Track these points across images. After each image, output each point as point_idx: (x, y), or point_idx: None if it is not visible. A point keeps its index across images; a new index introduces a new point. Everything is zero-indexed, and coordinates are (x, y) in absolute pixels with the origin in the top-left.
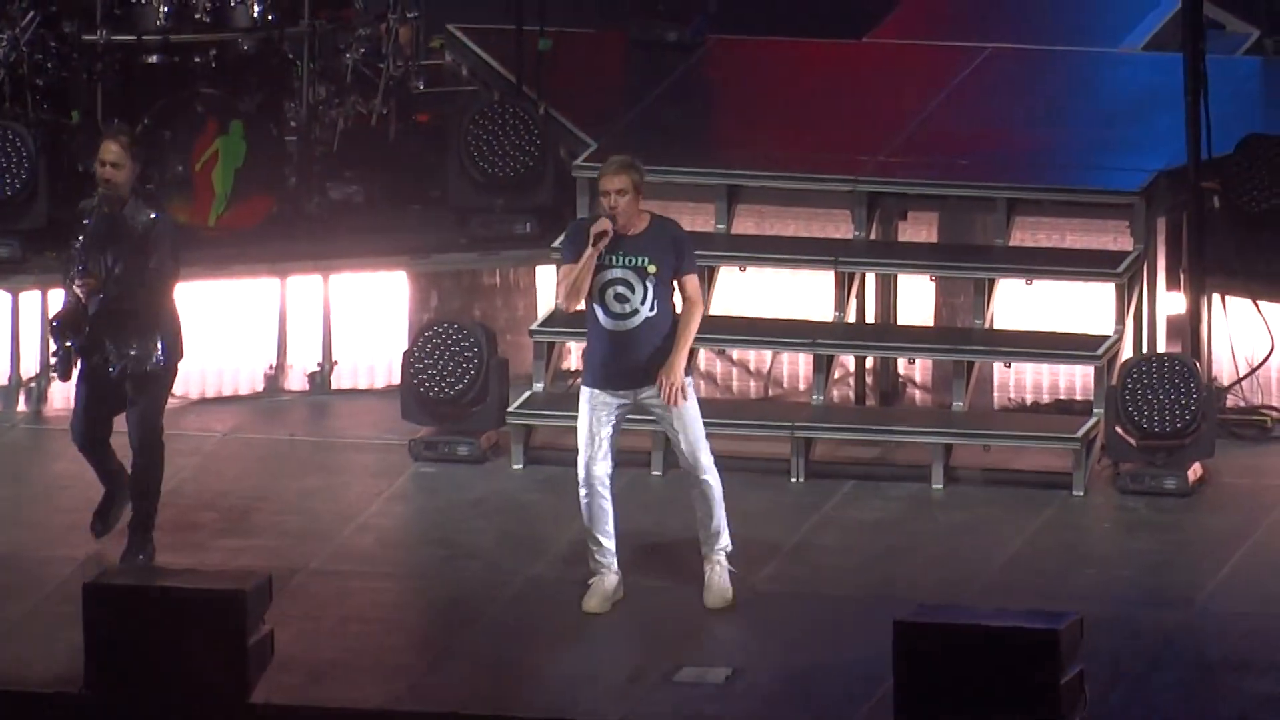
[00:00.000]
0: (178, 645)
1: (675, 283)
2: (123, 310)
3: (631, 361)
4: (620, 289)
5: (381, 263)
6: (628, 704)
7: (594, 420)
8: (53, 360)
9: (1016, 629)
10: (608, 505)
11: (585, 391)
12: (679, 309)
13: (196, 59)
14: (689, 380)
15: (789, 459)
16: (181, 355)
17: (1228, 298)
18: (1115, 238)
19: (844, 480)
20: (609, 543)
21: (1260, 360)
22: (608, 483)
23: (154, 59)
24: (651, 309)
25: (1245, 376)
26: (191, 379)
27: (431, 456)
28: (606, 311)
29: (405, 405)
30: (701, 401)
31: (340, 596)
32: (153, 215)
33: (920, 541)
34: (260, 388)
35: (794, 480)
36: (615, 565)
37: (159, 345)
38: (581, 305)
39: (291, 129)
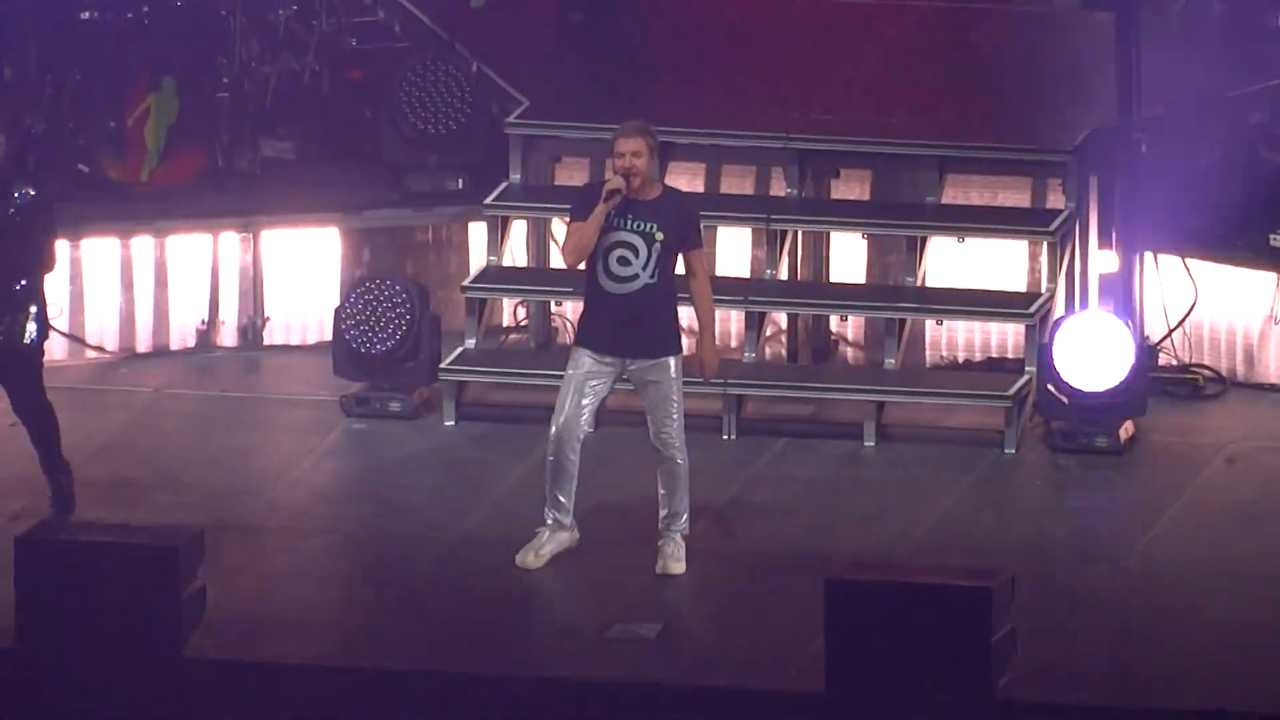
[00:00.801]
0: (110, 600)
1: (683, 256)
2: (2, 289)
3: (625, 326)
4: (624, 252)
5: (314, 219)
6: (558, 659)
7: (578, 382)
8: None
9: (948, 586)
10: (573, 468)
11: (575, 352)
12: (681, 290)
13: (129, 15)
14: (679, 361)
15: (721, 416)
16: (48, 334)
17: (1160, 256)
18: (1048, 196)
19: (776, 438)
20: (566, 500)
21: (1184, 314)
22: (578, 447)
23: (87, 14)
24: (653, 275)
25: (1172, 330)
26: (123, 334)
27: (363, 412)
28: (608, 273)
29: (337, 361)
30: None
31: (273, 552)
32: (28, 192)
33: (852, 499)
34: (192, 344)
35: (726, 437)
36: (569, 521)
37: (34, 324)
38: (583, 265)
39: (224, 85)
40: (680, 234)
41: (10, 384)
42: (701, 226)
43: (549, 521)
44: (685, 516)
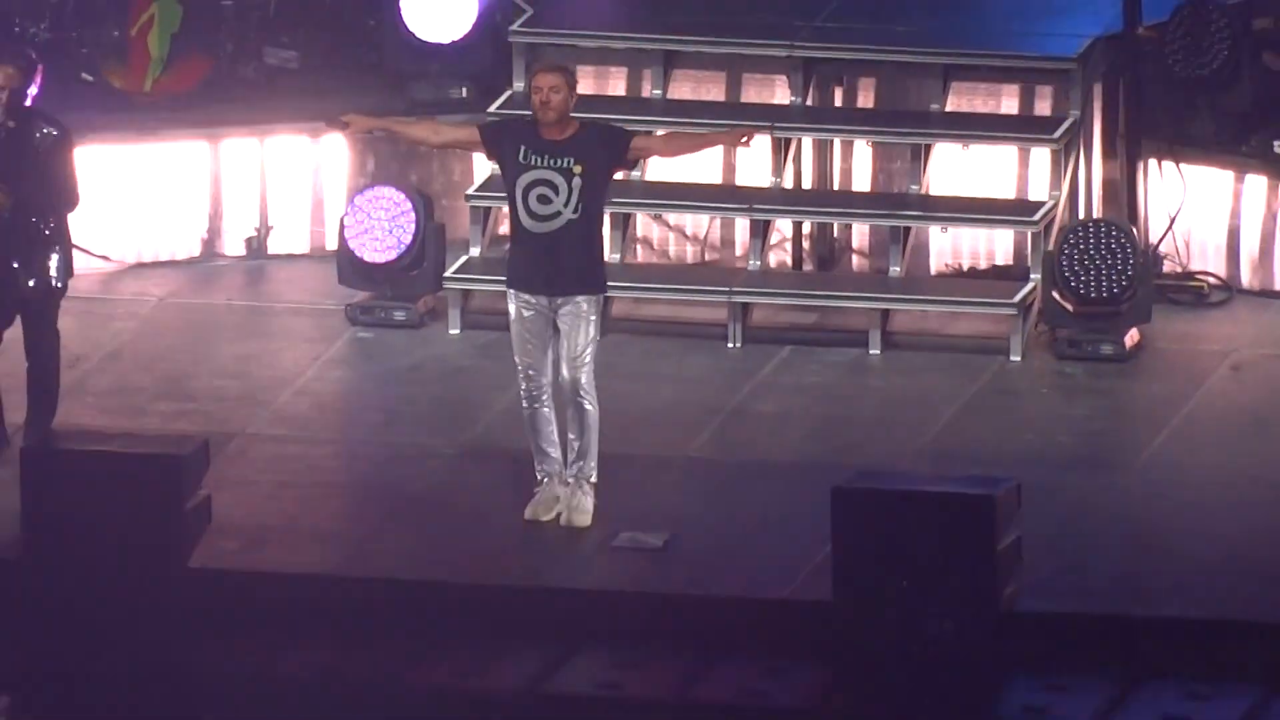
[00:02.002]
0: (115, 510)
1: (628, 155)
2: (27, 229)
3: (550, 264)
4: (543, 189)
5: (318, 128)
6: (564, 568)
7: (517, 334)
8: None
9: (953, 494)
10: (548, 413)
11: (509, 296)
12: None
13: None
14: (594, 301)
15: (726, 324)
16: (72, 273)
17: (1164, 163)
18: (1052, 103)
19: (781, 345)
20: (553, 450)
21: (1174, 214)
22: (548, 395)
23: None
24: (574, 211)
25: (1165, 232)
26: (127, 243)
27: (368, 321)
28: (529, 213)
29: (341, 270)
30: (639, 266)
31: (277, 462)
32: (51, 131)
33: (857, 407)
34: (196, 253)
35: (731, 345)
36: (562, 471)
37: (61, 265)
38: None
39: None
40: (605, 157)
41: (30, 321)
42: (629, 132)
43: (542, 478)
44: (594, 461)
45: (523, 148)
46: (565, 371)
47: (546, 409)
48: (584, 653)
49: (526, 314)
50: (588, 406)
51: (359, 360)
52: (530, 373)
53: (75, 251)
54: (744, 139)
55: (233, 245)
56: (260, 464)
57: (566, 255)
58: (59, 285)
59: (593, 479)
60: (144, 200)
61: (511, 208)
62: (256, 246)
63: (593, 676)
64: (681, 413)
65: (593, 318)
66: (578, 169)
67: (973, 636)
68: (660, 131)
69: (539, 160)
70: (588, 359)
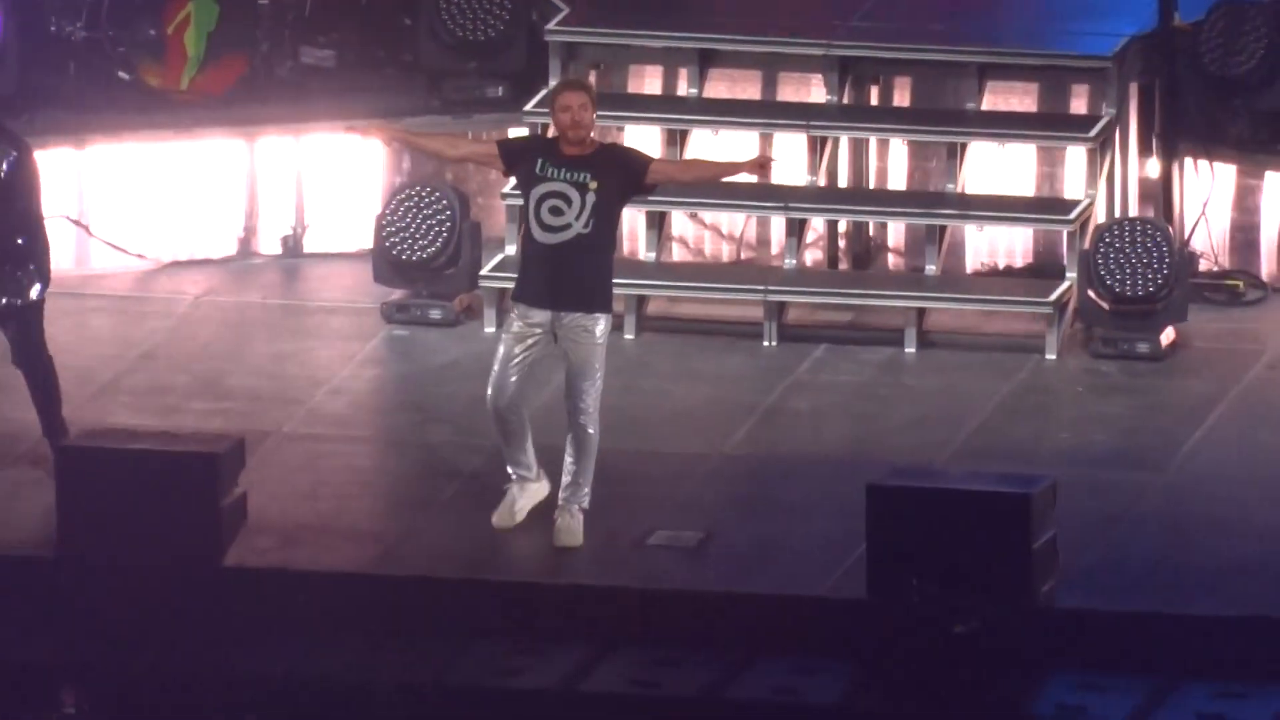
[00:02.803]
0: (151, 508)
1: (646, 180)
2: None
3: (558, 278)
4: (557, 201)
5: (355, 126)
6: (600, 567)
7: (507, 345)
8: None
9: (989, 493)
10: (519, 427)
11: (512, 311)
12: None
13: None
14: (602, 324)
15: (761, 322)
16: (48, 285)
17: (1200, 162)
18: (1088, 102)
19: (816, 344)
20: (524, 456)
21: (1203, 209)
22: (516, 407)
23: None
24: (586, 225)
25: (1195, 225)
26: (163, 242)
27: (404, 320)
28: (540, 223)
29: (377, 269)
30: (674, 265)
31: (313, 460)
32: (12, 153)
33: (893, 405)
34: (232, 251)
35: (766, 344)
36: (534, 473)
37: (35, 280)
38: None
39: None
40: (621, 179)
41: (13, 336)
42: (648, 158)
43: (513, 478)
44: (588, 489)
45: (541, 160)
46: (573, 397)
47: (513, 420)
48: (619, 651)
49: (517, 335)
50: (590, 431)
51: (394, 359)
52: (494, 388)
53: (112, 250)
54: (763, 165)
55: (268, 244)
56: (296, 462)
57: (573, 269)
58: (34, 298)
59: (584, 506)
60: (180, 199)
61: (524, 220)
62: (292, 245)
63: (628, 675)
64: (716, 411)
65: (601, 343)
66: (593, 185)
67: (1008, 635)
68: (688, 151)
69: (555, 173)
70: (598, 382)
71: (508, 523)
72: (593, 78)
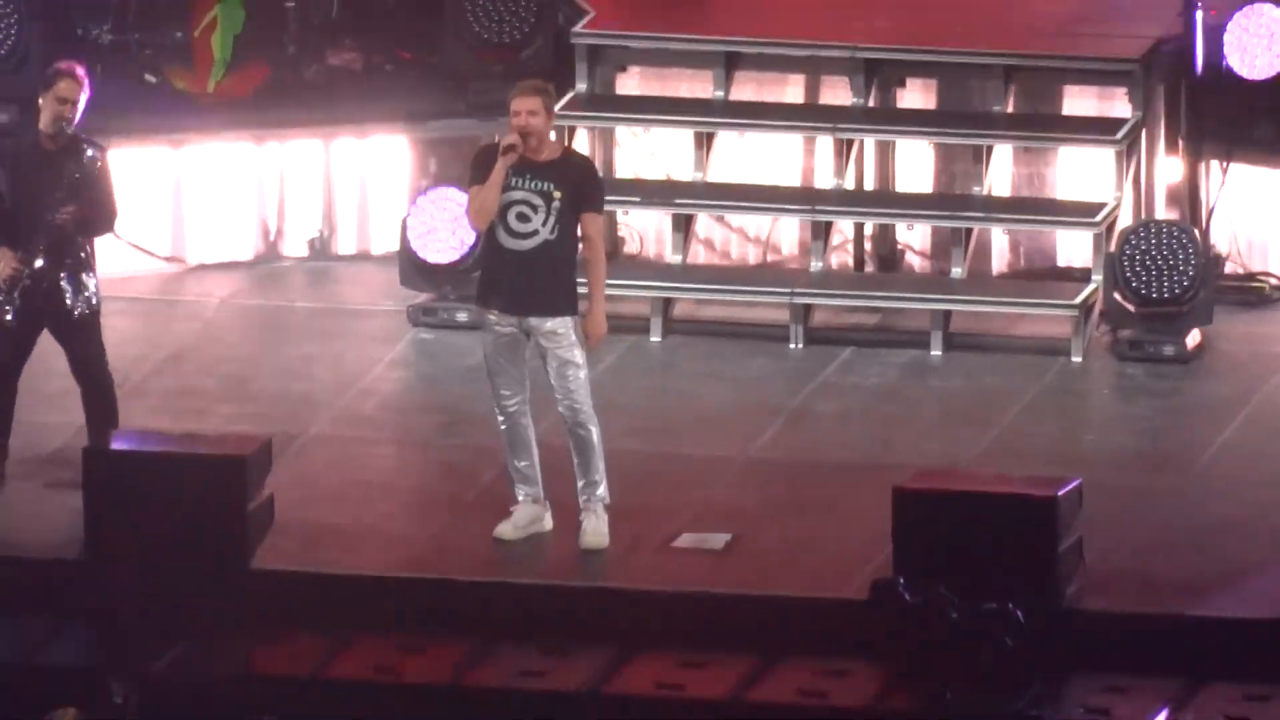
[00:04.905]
0: (177, 511)
1: (581, 219)
2: (72, 250)
3: (523, 283)
4: (523, 209)
5: (380, 128)
6: (626, 569)
7: (491, 361)
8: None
9: (1015, 495)
10: (525, 433)
11: (481, 320)
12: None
13: None
14: (571, 327)
15: (788, 325)
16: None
17: (1228, 165)
18: (1114, 104)
19: (843, 346)
20: (529, 469)
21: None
22: (524, 414)
23: None
24: (552, 232)
25: (1208, 222)
26: (190, 245)
27: (430, 322)
28: (507, 230)
29: (404, 272)
30: (701, 267)
31: (340, 462)
32: (91, 153)
33: (919, 408)
34: (260, 253)
35: (793, 346)
36: (539, 493)
37: (95, 286)
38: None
39: None
40: (577, 194)
41: (78, 343)
42: (603, 197)
43: (520, 497)
44: (603, 485)
45: (510, 172)
46: (561, 397)
47: (521, 428)
48: (645, 653)
49: (499, 339)
50: (585, 433)
51: (421, 361)
52: (504, 392)
53: (139, 253)
54: (592, 345)
55: (295, 246)
56: (323, 464)
57: (538, 275)
58: (92, 309)
59: (606, 501)
60: (206, 202)
61: (489, 226)
62: (319, 248)
63: (654, 677)
64: (743, 413)
65: (575, 347)
66: (557, 194)
67: (1034, 637)
68: (714, 151)
69: (520, 181)
70: (583, 387)
71: (510, 535)
72: (618, 79)
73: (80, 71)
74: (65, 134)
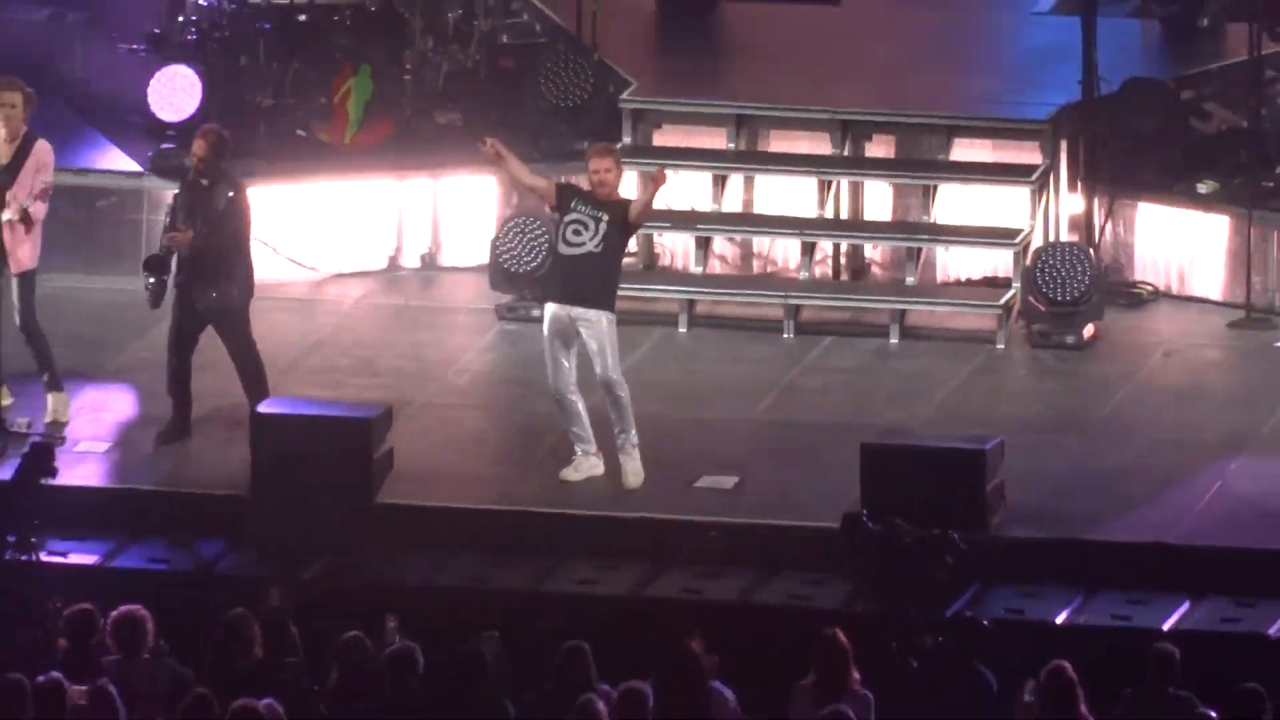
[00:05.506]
0: (320, 459)
1: (630, 220)
2: (205, 263)
3: (572, 280)
4: (578, 226)
5: (475, 171)
6: (658, 503)
7: (549, 342)
8: (146, 290)
9: (953, 449)
10: (575, 407)
11: (544, 313)
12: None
13: (335, 17)
14: (608, 319)
15: (782, 320)
16: (250, 296)
17: (1114, 200)
18: (1029, 154)
19: (824, 336)
20: (583, 431)
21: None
22: (571, 390)
23: (303, 17)
24: (597, 246)
25: (1101, 231)
26: (331, 258)
27: (512, 317)
28: (565, 241)
29: (493, 278)
30: (717, 275)
31: (443, 422)
32: (230, 194)
33: (881, 383)
34: (384, 265)
35: (786, 336)
36: (594, 447)
37: (233, 290)
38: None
39: (407, 71)
40: (621, 218)
41: (222, 334)
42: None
43: (578, 451)
44: (634, 431)
45: (575, 199)
46: (598, 371)
47: (571, 403)
48: (673, 567)
49: (552, 324)
50: (619, 394)
51: (504, 347)
52: (551, 377)
53: (291, 264)
54: (655, 179)
55: (410, 259)
56: (430, 424)
57: (584, 276)
58: (234, 309)
59: (635, 442)
60: (344, 225)
61: (554, 239)
62: (428, 260)
63: (680, 585)
64: (749, 386)
65: (611, 335)
66: (605, 219)
67: (968, 557)
68: (728, 188)
69: (582, 209)
70: (614, 357)
71: (572, 477)
72: (655, 135)
73: (207, 137)
74: (206, 175)
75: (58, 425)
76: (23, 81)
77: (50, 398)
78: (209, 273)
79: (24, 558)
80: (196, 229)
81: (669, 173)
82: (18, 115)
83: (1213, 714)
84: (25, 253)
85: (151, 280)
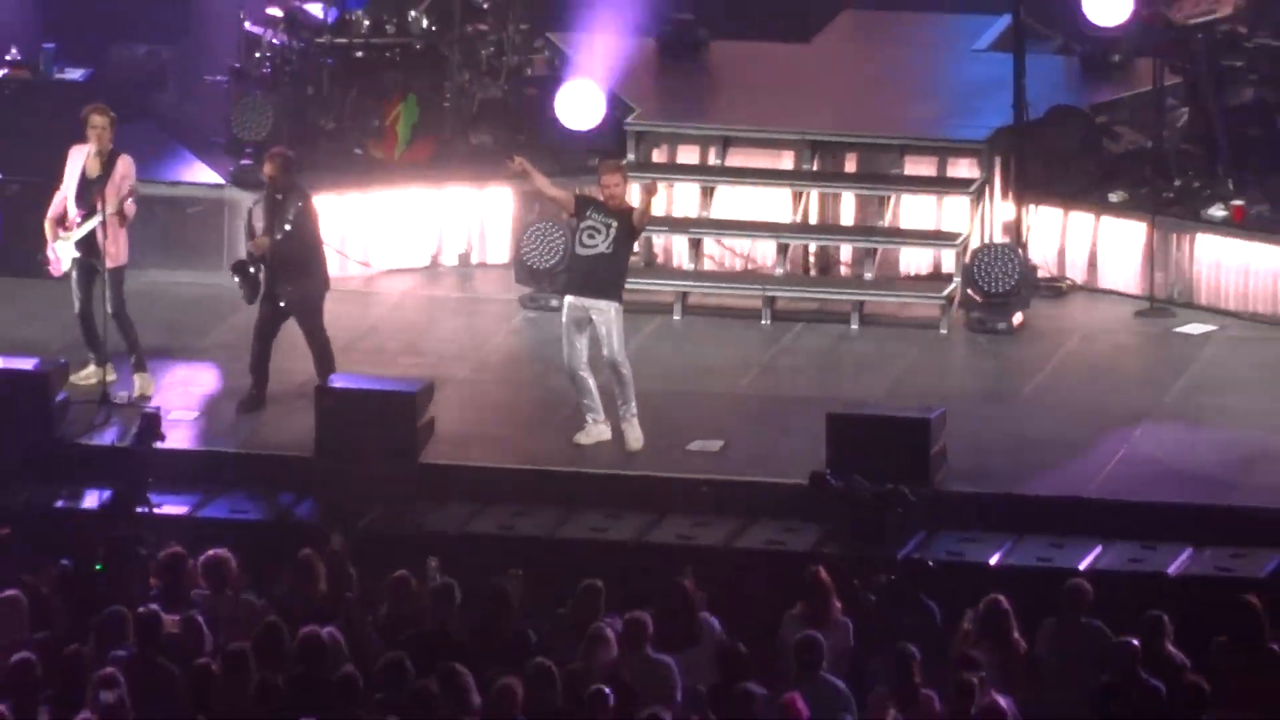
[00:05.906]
0: (372, 425)
1: (634, 225)
2: (285, 263)
3: (585, 276)
4: (592, 231)
5: (504, 183)
6: (656, 463)
7: (565, 327)
8: (240, 289)
9: (904, 418)
10: (587, 382)
11: (563, 303)
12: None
13: (387, 54)
14: (615, 309)
15: (760, 309)
16: (327, 288)
17: (1040, 207)
18: (968, 168)
19: (796, 322)
20: (593, 403)
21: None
22: (583, 368)
23: (360, 54)
24: (608, 248)
25: (1027, 242)
26: (382, 255)
27: (534, 307)
28: (580, 244)
29: (518, 274)
30: (707, 271)
31: (477, 394)
32: (299, 203)
33: (844, 362)
34: (427, 262)
35: (764, 323)
36: (602, 416)
37: (306, 286)
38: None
39: (447, 99)
40: (628, 224)
41: (300, 324)
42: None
43: (589, 420)
44: (633, 403)
45: (590, 208)
46: (607, 358)
47: (583, 380)
48: (669, 517)
49: (569, 312)
50: (623, 372)
51: (528, 331)
52: (565, 357)
53: (346, 260)
54: (648, 190)
55: (449, 258)
56: (465, 397)
57: (595, 272)
58: (312, 300)
59: (635, 412)
60: (394, 227)
61: (571, 242)
62: (465, 259)
63: (675, 531)
64: (733, 364)
65: (618, 322)
66: (615, 224)
67: (916, 508)
68: (715, 198)
69: (596, 217)
70: (620, 341)
71: (583, 441)
72: (653, 153)
73: (275, 159)
74: (279, 190)
75: (143, 398)
76: (107, 106)
77: (136, 377)
78: (290, 271)
79: (141, 510)
80: (273, 236)
81: (660, 185)
82: (106, 135)
83: (1126, 639)
84: (116, 250)
85: (238, 279)
